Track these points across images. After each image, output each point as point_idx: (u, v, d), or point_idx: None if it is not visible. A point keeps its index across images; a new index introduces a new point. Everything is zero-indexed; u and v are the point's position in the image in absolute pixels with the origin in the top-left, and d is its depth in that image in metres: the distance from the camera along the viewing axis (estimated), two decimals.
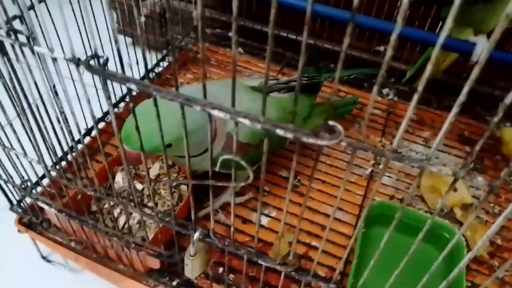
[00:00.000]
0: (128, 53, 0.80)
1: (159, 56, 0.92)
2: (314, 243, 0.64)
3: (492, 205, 0.72)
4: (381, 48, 0.92)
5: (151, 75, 0.88)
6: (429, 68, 0.22)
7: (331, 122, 0.26)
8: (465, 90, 0.22)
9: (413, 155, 0.80)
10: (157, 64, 0.91)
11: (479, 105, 0.91)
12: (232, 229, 0.37)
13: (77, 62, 0.29)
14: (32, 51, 0.31)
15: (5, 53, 0.35)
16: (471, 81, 0.22)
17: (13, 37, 0.31)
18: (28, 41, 0.31)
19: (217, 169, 0.33)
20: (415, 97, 0.24)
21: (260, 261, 0.39)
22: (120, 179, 0.63)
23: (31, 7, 0.43)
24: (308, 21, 0.22)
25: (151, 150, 0.47)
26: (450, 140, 0.83)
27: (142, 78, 0.85)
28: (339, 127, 0.25)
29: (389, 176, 0.74)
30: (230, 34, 1.03)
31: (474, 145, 0.83)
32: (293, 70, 0.94)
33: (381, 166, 0.76)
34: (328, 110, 0.74)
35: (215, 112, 0.27)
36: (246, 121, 0.27)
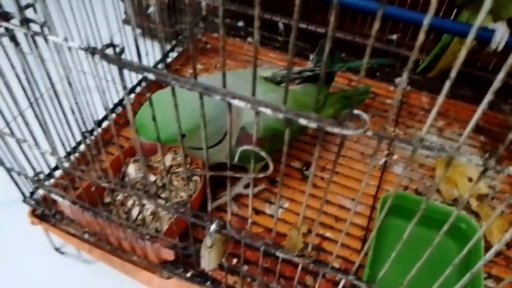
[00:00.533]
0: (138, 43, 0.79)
1: (168, 47, 0.91)
2: (327, 234, 0.63)
3: (507, 194, 0.71)
4: (394, 37, 0.90)
5: (160, 66, 0.88)
6: (463, 54, 0.21)
7: (356, 111, 0.25)
8: (501, 75, 0.21)
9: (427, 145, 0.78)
10: (166, 55, 0.90)
11: (493, 94, 0.89)
12: (249, 220, 0.37)
13: (92, 51, 0.28)
14: (46, 40, 0.31)
15: (18, 44, 0.35)
16: (508, 66, 0.21)
17: (26, 26, 0.31)
18: (42, 30, 0.30)
19: (236, 160, 0.32)
20: (447, 84, 0.23)
21: (277, 253, 0.38)
22: (132, 171, 0.62)
23: None
24: (336, 11, 0.21)
25: (165, 140, 0.47)
26: (464, 129, 0.82)
27: (155, 67, 0.84)
28: (365, 116, 0.25)
29: (403, 166, 0.73)
30: (240, 24, 1.02)
31: (489, 135, 0.82)
32: (304, 59, 0.93)
33: (395, 157, 0.75)
34: (340, 100, 0.73)
35: (236, 102, 0.26)
36: (268, 111, 0.26)
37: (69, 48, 0.30)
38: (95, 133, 0.49)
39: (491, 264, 0.61)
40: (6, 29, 0.31)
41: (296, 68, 0.66)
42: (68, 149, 0.59)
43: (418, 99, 0.87)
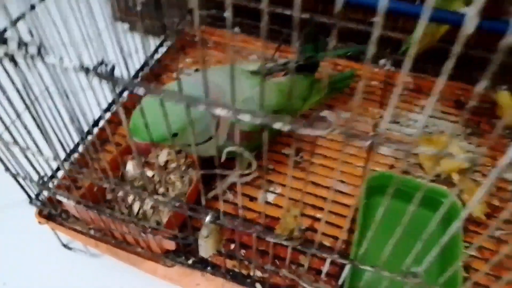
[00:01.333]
0: (127, 41, 0.81)
1: (157, 41, 0.94)
2: (318, 215, 0.67)
3: (489, 167, 0.75)
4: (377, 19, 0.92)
5: (151, 62, 0.90)
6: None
7: (322, 113, 0.28)
8: (457, 48, 0.24)
9: (412, 124, 0.82)
10: (156, 51, 0.92)
11: (474, 70, 0.92)
12: (240, 211, 0.40)
13: (86, 71, 0.31)
14: (44, 63, 0.34)
15: (16, 64, 0.38)
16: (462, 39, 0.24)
17: (23, 50, 0.34)
18: (39, 53, 0.33)
19: (223, 159, 0.36)
20: (407, 62, 0.25)
21: (267, 238, 0.42)
22: (130, 168, 0.66)
23: (33, 7, 0.45)
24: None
25: (158, 140, 0.50)
26: (447, 106, 0.86)
27: (142, 67, 0.87)
28: (332, 117, 0.28)
29: (389, 148, 0.77)
30: (226, 14, 1.04)
31: (471, 110, 0.85)
32: (291, 46, 0.95)
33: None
34: (326, 87, 0.76)
35: (218, 111, 0.29)
36: (247, 117, 0.29)
37: (66, 69, 0.33)
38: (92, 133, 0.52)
39: (472, 234, 0.65)
40: (5, 53, 0.34)
41: (281, 60, 0.68)
42: (68, 151, 0.62)
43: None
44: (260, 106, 0.51)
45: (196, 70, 0.89)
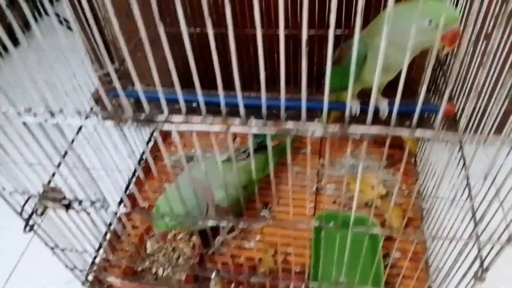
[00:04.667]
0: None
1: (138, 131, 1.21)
2: (289, 250, 0.94)
3: (403, 188, 1.05)
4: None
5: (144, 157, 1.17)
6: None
7: (261, 213, 0.55)
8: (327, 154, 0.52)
9: (345, 166, 1.11)
10: (147, 144, 1.19)
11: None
12: (230, 261, 0.67)
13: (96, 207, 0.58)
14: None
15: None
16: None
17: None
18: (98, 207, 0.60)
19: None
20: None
21: (251, 280, 0.69)
22: (149, 246, 0.92)
23: None
24: None
25: (172, 228, 0.77)
26: (369, 147, 1.15)
27: (140, 161, 1.14)
28: (267, 216, 0.55)
29: (330, 188, 1.06)
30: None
31: (388, 146, 1.15)
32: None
33: (323, 182, 1.07)
34: (277, 153, 1.04)
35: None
36: (214, 223, 0.56)
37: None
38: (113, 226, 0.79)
39: (391, 242, 0.93)
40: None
41: (242, 148, 0.97)
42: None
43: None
44: (234, 186, 0.80)
45: None
